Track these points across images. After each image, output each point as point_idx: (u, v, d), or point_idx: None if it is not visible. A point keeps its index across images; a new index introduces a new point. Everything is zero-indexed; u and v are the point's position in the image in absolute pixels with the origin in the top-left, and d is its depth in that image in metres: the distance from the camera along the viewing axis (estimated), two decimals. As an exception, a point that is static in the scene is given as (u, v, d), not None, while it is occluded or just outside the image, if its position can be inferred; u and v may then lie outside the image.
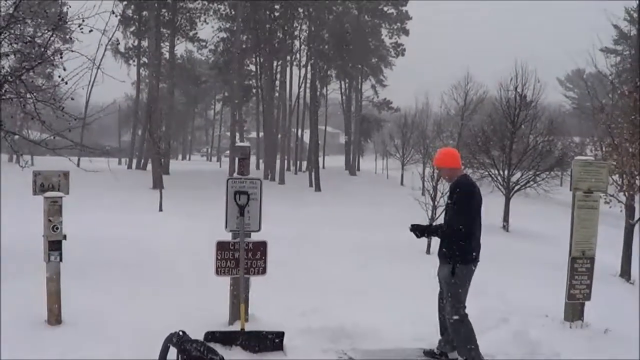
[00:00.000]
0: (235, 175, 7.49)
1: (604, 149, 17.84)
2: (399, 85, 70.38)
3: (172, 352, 5.90)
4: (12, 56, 11.10)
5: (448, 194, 7.05)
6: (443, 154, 7.12)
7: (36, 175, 7.26)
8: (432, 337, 7.30)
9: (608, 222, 19.38)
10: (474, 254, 6.73)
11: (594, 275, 8.58)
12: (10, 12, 10.74)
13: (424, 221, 15.60)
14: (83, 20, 10.73)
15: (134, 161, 53.45)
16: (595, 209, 8.35)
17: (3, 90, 10.68)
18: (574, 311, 8.29)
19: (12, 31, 10.94)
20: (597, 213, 8.39)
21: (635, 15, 23.88)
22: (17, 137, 11.94)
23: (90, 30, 11.03)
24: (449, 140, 52.32)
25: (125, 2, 49.98)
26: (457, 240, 6.63)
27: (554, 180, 26.81)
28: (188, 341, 5.85)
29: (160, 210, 24.12)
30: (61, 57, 10.68)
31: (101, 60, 34.43)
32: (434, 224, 8.33)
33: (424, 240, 16.04)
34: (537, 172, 26.33)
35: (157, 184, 31.42)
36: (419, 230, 7.07)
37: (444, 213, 7.30)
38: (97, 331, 7.00)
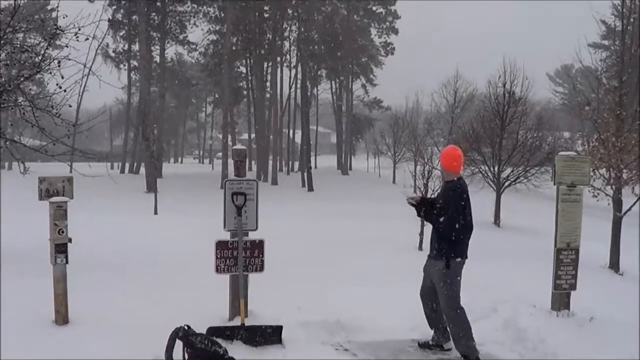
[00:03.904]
0: (232, 177, 7.78)
1: (591, 144, 18.13)
2: (389, 84, 70.54)
3: (178, 345, 6.15)
4: (11, 65, 11.30)
5: (442, 192, 7.30)
6: (450, 157, 7.25)
7: (41, 181, 7.47)
8: (426, 329, 7.54)
9: (597, 214, 19.76)
10: (465, 249, 7.06)
11: (583, 266, 8.90)
12: (8, 21, 10.95)
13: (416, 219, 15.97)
14: (79, 29, 10.95)
15: (127, 165, 53.50)
16: (578, 202, 8.61)
17: (2, 99, 10.91)
18: (561, 300, 8.56)
19: (10, 41, 11.17)
20: (580, 206, 8.65)
21: (621, 10, 24.19)
22: (17, 144, 12.15)
23: (86, 39, 11.25)
24: (439, 137, 52.54)
25: (114, 7, 50.16)
26: (452, 236, 6.92)
27: (543, 176, 27.07)
28: (193, 335, 6.12)
29: (156, 213, 24.34)
30: (59, 66, 10.88)
31: (91, 65, 34.61)
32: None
33: (417, 236, 16.36)
34: (527, 168, 26.62)
35: (151, 188, 31.64)
36: (417, 207, 7.38)
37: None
38: (103, 329, 7.20)
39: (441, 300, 7.05)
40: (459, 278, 7.02)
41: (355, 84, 69.36)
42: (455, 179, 7.14)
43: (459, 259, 6.98)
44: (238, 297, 7.45)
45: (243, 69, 60.12)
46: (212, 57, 55.16)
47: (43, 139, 11.77)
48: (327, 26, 55.94)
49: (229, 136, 47.80)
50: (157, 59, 51.13)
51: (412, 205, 7.40)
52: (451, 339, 7.15)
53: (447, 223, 6.92)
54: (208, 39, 55.25)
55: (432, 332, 7.44)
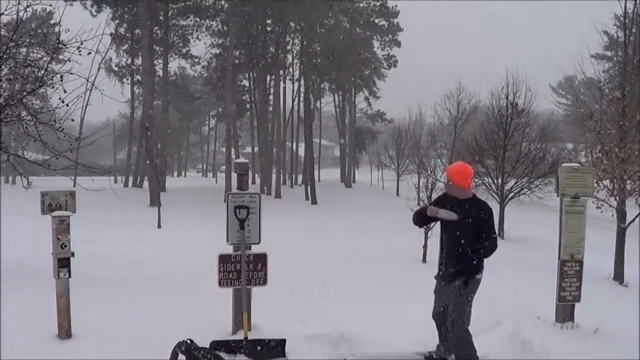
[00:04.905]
0: (235, 190, 7.77)
1: (594, 155, 18.08)
2: (392, 97, 70.57)
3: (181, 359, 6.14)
4: (14, 79, 11.31)
5: (466, 211, 6.83)
6: (462, 173, 6.98)
7: (44, 195, 7.46)
8: (430, 342, 7.50)
9: (601, 226, 19.70)
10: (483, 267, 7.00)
11: (587, 278, 8.87)
12: (11, 35, 10.97)
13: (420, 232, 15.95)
14: (81, 43, 10.95)
15: (130, 179, 53.54)
16: (582, 214, 8.59)
17: (4, 114, 10.91)
18: (565, 312, 8.53)
19: (13, 55, 11.18)
20: (584, 217, 8.62)
21: (623, 21, 24.16)
22: (20, 158, 12.15)
23: (89, 53, 11.24)
24: (443, 150, 52.55)
25: (117, 21, 50.31)
26: (484, 258, 6.92)
27: (547, 187, 27.02)
28: (196, 349, 6.10)
29: (159, 227, 24.32)
30: (61, 80, 10.88)
31: (94, 79, 34.60)
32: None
33: (420, 248, 16.32)
34: (531, 179, 26.56)
35: (155, 201, 31.67)
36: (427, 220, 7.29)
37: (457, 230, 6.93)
38: (106, 343, 7.20)
39: (453, 316, 6.86)
40: (473, 296, 6.91)
41: (358, 96, 69.52)
42: (472, 195, 7.04)
43: (479, 276, 6.91)
44: (241, 310, 7.43)
45: (246, 83, 60.06)
46: (215, 71, 55.19)
47: (46, 153, 11.76)
48: (330, 39, 55.98)
49: (233, 149, 47.83)
50: (160, 72, 51.21)
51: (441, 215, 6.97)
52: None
53: (492, 245, 6.85)
54: (211, 53, 55.41)
55: (435, 344, 7.38)
